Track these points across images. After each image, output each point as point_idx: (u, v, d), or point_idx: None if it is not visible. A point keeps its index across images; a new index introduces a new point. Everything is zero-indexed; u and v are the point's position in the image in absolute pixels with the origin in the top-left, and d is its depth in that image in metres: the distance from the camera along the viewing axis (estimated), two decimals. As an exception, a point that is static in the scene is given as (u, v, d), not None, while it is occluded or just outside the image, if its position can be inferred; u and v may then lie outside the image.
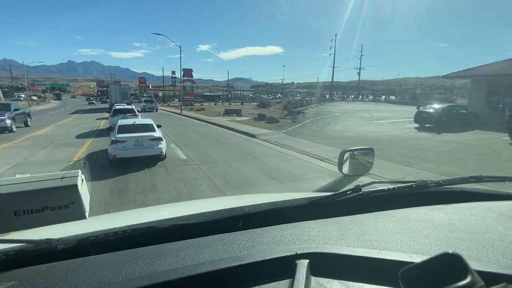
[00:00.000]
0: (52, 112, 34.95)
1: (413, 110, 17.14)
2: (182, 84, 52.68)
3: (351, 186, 1.12)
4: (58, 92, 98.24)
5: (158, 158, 8.14)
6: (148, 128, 8.55)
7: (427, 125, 15.26)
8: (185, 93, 55.41)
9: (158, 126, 9.15)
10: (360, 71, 53.84)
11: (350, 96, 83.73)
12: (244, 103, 65.39)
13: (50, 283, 0.63)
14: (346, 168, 1.57)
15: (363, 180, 1.43)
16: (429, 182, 1.17)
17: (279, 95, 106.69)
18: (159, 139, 8.13)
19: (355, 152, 1.63)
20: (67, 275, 0.65)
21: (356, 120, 20.11)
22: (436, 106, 15.95)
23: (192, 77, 54.87)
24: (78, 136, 13.47)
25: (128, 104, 21.74)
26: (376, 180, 1.33)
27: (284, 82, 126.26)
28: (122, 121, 9.15)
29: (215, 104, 59.14)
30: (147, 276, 0.62)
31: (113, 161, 7.68)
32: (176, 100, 76.53)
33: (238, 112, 24.38)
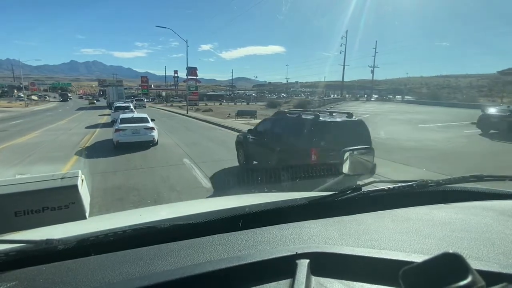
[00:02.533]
0: (48, 113, 32.16)
1: (445, 111, 14.33)
2: (187, 83, 50.01)
3: (351, 185, 1.09)
4: (62, 91, 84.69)
5: (151, 143, 10.07)
6: (143, 120, 10.52)
7: (491, 131, 12.45)
8: (190, 92, 52.55)
9: (152, 119, 10.90)
10: (374, 69, 50.62)
11: (356, 95, 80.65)
12: (250, 103, 62.49)
13: (50, 283, 0.62)
14: (346, 168, 1.54)
15: (363, 179, 1.32)
16: (429, 181, 1.14)
17: (283, 94, 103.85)
18: (152, 128, 10.14)
19: (355, 152, 1.60)
20: (67, 276, 0.64)
21: (396, 124, 17.20)
22: (507, 108, 13.13)
23: (196, 76, 51.97)
24: (65, 147, 10.64)
25: (125, 102, 25.67)
26: (376, 180, 1.30)
27: (288, 81, 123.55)
28: (124, 115, 11.06)
29: (220, 104, 56.23)
30: (147, 276, 0.61)
31: (116, 145, 9.52)
32: (179, 99, 73.75)
33: (252, 114, 21.47)
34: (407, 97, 54.52)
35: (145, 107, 40.88)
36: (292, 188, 4.55)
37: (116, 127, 9.90)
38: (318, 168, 4.21)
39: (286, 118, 6.07)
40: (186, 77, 51.74)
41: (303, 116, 5.46)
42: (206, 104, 52.37)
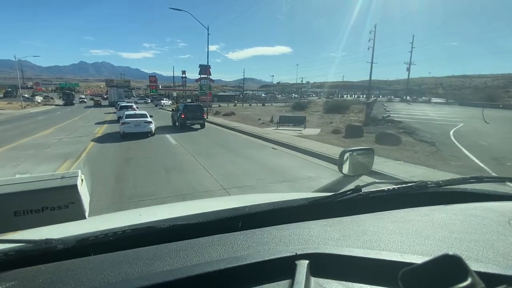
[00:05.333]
0: (41, 116, 26.83)
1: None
2: (199, 82, 44.46)
3: (351, 186, 1.07)
4: (66, 91, 65.44)
5: (149, 133, 12.67)
6: (143, 116, 13.24)
7: None
8: (202, 92, 46.91)
9: (150, 116, 13.56)
10: (410, 66, 43.92)
11: (376, 96, 74.21)
12: (266, 104, 56.54)
13: (49, 283, 0.61)
14: (346, 168, 1.51)
15: (363, 180, 1.33)
16: (429, 182, 1.11)
17: (294, 95, 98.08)
18: (150, 122, 12.83)
19: (355, 153, 1.57)
20: (66, 275, 0.64)
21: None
22: None
23: (210, 74, 46.04)
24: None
25: (128, 102, 29.31)
26: (377, 181, 1.25)
27: (294, 81, 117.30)
28: (128, 112, 14.39)
29: (234, 105, 50.51)
30: (146, 277, 0.60)
31: (122, 135, 12.26)
32: (189, 100, 68.12)
33: (300, 122, 15.64)
34: (448, 99, 47.46)
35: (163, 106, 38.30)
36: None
37: (122, 121, 12.49)
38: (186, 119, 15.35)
39: (182, 104, 17.26)
40: (198, 76, 46.13)
41: (184, 103, 19.91)
42: (220, 105, 46.94)
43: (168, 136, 13.13)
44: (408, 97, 42.29)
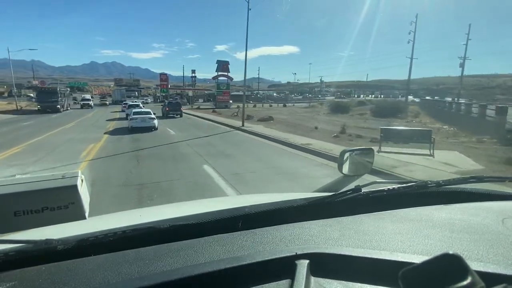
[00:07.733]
0: (29, 121, 21.13)
1: None
2: (216, 80, 38.63)
3: (351, 186, 1.05)
4: (48, 89, 32.26)
5: (153, 128, 14.94)
6: (148, 113, 15.70)
7: None
8: (220, 92, 40.84)
9: (154, 113, 16.02)
10: (464, 61, 36.95)
11: (399, 96, 67.52)
12: (287, 105, 50.29)
13: (50, 283, 0.60)
14: (346, 168, 1.48)
15: (364, 179, 1.34)
16: (429, 182, 1.10)
17: (308, 94, 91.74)
18: (154, 118, 15.32)
19: (355, 152, 1.55)
20: (67, 276, 0.63)
21: None
22: None
23: (228, 71, 40.13)
24: None
25: (134, 102, 31.70)
26: (377, 180, 1.24)
27: (303, 81, 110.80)
28: (135, 110, 16.98)
29: (254, 106, 44.39)
30: (147, 277, 0.60)
31: (130, 129, 14.48)
32: (201, 100, 62.40)
33: (418, 138, 9.28)
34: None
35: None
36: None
37: (130, 117, 15.19)
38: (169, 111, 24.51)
39: (167, 101, 29.24)
40: (216, 73, 40.05)
41: (170, 100, 31.80)
42: (238, 106, 41.03)
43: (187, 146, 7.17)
44: (457, 99, 35.48)
